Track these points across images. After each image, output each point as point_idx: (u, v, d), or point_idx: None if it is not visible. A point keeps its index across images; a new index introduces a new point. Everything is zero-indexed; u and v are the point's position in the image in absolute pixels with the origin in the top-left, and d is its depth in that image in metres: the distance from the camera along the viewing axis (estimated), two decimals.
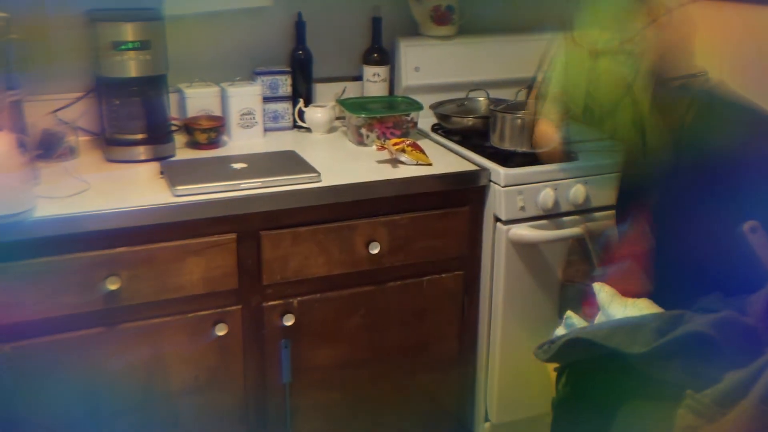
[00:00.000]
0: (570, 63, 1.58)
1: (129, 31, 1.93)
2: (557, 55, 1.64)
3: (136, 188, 1.83)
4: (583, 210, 2.09)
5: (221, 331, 1.85)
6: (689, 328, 0.80)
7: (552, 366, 1.08)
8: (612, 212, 1.67)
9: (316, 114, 2.33)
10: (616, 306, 1.11)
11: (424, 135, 2.36)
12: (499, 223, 2.04)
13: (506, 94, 2.40)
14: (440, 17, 2.46)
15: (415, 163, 2.06)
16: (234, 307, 1.87)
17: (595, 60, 1.48)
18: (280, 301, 1.91)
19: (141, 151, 2.01)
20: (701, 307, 0.86)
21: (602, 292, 1.14)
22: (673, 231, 1.46)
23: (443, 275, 2.08)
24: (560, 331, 1.17)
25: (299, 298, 1.93)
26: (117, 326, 1.76)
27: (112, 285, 1.71)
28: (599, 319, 1.14)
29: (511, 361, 2.13)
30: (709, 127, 1.26)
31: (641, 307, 1.09)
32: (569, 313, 1.16)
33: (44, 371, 1.71)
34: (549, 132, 1.86)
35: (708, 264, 1.23)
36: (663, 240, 1.44)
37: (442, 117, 2.37)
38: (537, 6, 2.60)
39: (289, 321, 1.92)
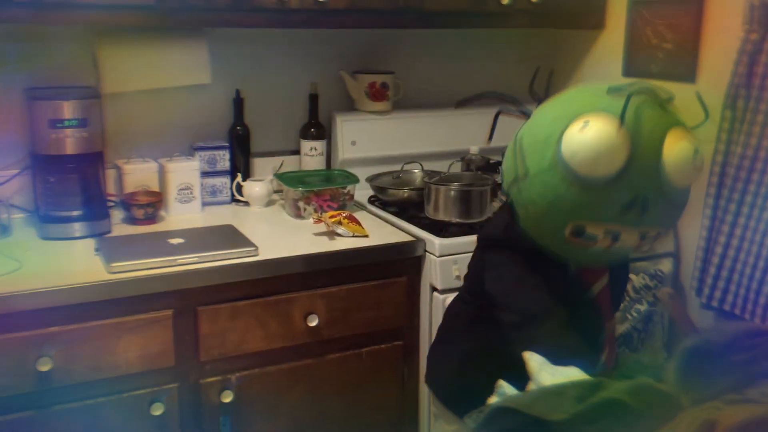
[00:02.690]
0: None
1: (66, 109, 1.94)
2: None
3: (70, 266, 1.81)
4: None
5: (158, 410, 1.82)
6: (605, 395, 0.84)
7: None
8: None
9: (254, 188, 2.35)
10: (545, 374, 1.14)
11: (361, 207, 2.40)
12: (435, 293, 2.08)
13: (440, 167, 2.47)
14: (375, 93, 2.54)
15: (351, 235, 2.09)
16: (171, 385, 1.84)
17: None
18: (219, 378, 1.89)
19: (76, 228, 2.00)
20: (621, 374, 0.90)
21: (531, 360, 1.17)
22: None
23: (382, 346, 2.10)
24: (493, 400, 1.19)
25: (238, 374, 1.91)
26: (49, 408, 1.71)
27: (45, 366, 1.67)
28: (530, 387, 1.17)
29: None
30: None
31: (569, 375, 1.12)
32: (501, 382, 1.18)
33: None
34: None
35: None
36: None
37: (379, 189, 2.42)
38: (467, 83, 2.72)
39: (227, 398, 1.90)
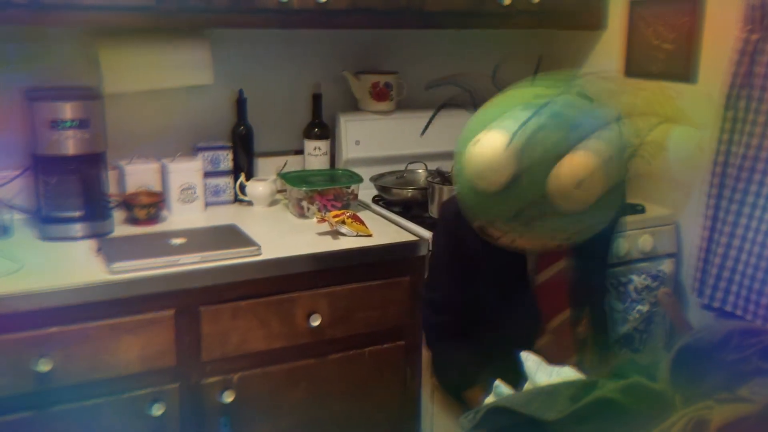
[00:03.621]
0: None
1: (67, 110, 1.94)
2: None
3: (71, 266, 1.81)
4: None
5: (158, 410, 1.81)
6: (599, 394, 0.83)
7: None
8: None
9: (258, 188, 2.35)
10: (542, 374, 1.14)
11: (365, 206, 2.40)
12: None
13: (443, 166, 2.46)
14: (379, 93, 2.53)
15: (355, 234, 2.08)
16: (172, 385, 1.84)
17: None
18: (220, 378, 1.89)
19: (78, 229, 2.00)
20: (614, 373, 0.89)
21: (528, 360, 1.17)
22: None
23: (385, 346, 2.09)
24: (489, 399, 1.19)
25: (239, 374, 1.91)
26: (48, 409, 1.71)
27: (44, 366, 1.67)
28: (527, 387, 1.17)
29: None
30: None
31: (565, 375, 1.12)
32: (498, 381, 1.18)
33: None
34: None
35: None
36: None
37: (383, 189, 2.42)
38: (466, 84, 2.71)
39: (229, 397, 1.89)
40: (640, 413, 0.80)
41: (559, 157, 1.24)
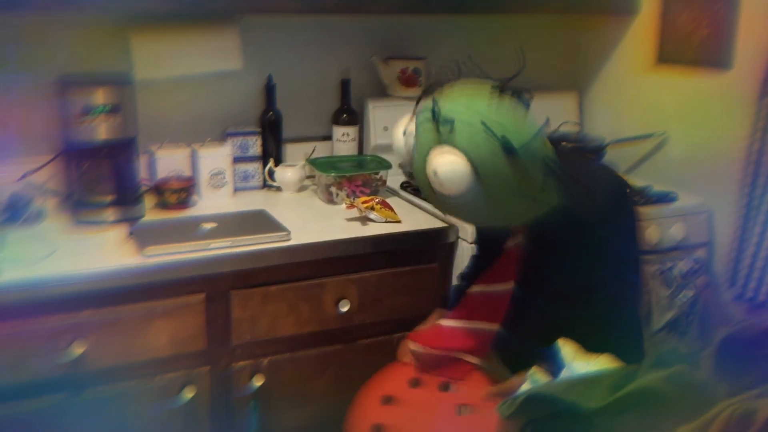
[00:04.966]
0: None
1: (99, 96, 1.95)
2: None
3: (104, 250, 1.82)
4: None
5: (189, 393, 1.83)
6: (642, 383, 0.82)
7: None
8: None
9: (287, 173, 2.35)
10: (580, 362, 1.13)
11: (393, 193, 2.39)
12: None
13: None
14: (407, 79, 2.52)
15: (384, 220, 2.08)
16: (202, 369, 1.85)
17: None
18: (250, 362, 1.90)
19: (110, 214, 2.01)
20: (657, 361, 0.88)
21: (565, 348, 1.16)
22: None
23: None
24: (525, 387, 1.18)
25: (269, 358, 1.92)
26: (81, 392, 1.73)
27: (78, 349, 1.69)
28: (564, 374, 1.16)
29: None
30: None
31: (603, 363, 1.11)
32: (534, 369, 1.17)
33: None
34: None
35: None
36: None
37: (411, 175, 2.41)
38: (498, 70, 2.68)
39: (258, 382, 1.90)
40: (683, 403, 0.78)
41: (431, 149, 1.42)
